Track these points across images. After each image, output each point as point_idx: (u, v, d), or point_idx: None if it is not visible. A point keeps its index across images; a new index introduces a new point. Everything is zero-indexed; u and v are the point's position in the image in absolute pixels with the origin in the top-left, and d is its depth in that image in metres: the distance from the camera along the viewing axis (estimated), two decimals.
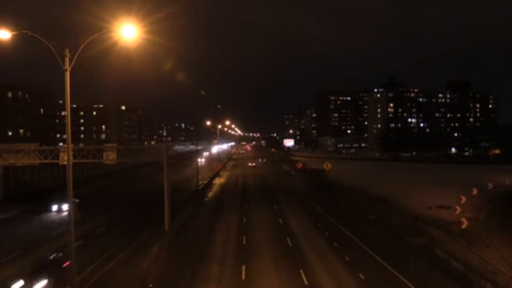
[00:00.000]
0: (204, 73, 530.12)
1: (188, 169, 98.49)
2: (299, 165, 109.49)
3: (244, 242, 35.34)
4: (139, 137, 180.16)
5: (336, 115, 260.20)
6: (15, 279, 23.61)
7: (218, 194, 67.12)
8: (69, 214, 20.00)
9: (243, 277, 26.56)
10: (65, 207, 49.39)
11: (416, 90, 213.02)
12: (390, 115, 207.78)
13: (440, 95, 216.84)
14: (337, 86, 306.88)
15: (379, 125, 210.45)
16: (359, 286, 24.73)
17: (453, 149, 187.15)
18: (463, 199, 53.68)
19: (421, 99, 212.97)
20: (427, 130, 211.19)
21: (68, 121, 19.62)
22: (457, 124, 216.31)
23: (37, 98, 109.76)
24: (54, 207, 50.70)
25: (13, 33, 17.92)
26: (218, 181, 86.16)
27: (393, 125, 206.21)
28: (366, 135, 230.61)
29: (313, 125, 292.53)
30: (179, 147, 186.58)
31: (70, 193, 19.54)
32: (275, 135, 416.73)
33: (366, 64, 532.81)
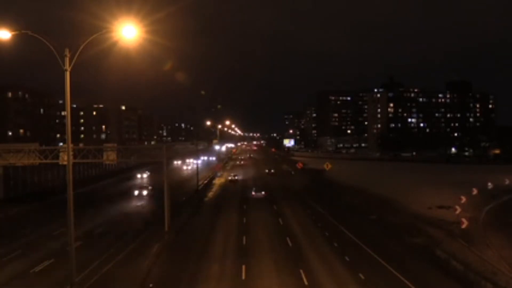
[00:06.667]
0: (204, 73, 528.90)
1: (188, 169, 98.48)
2: (299, 165, 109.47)
3: (244, 242, 35.34)
4: (139, 137, 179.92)
5: (336, 115, 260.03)
6: None
7: (218, 194, 67.09)
8: (69, 214, 19.98)
9: (243, 277, 26.55)
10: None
11: (416, 90, 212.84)
12: (390, 115, 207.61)
13: (440, 95, 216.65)
14: (337, 86, 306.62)
15: (379, 125, 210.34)
16: (359, 286, 24.71)
17: (453, 149, 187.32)
18: (463, 199, 53.77)
19: (421, 99, 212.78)
20: (427, 130, 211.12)
21: (68, 121, 19.62)
22: (457, 124, 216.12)
23: (37, 98, 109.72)
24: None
25: (13, 33, 17.93)
26: (218, 181, 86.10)
27: (393, 125, 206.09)
28: (366, 135, 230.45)
29: (313, 125, 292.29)
30: (180, 147, 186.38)
31: (70, 193, 19.54)
32: (275, 135, 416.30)
33: (366, 64, 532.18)
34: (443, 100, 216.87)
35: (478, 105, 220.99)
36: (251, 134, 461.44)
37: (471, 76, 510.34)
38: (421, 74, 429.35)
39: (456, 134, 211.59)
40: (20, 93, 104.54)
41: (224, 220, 45.27)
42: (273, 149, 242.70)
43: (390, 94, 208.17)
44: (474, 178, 77.77)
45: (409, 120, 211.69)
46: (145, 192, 63.32)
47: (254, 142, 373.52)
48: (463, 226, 38.90)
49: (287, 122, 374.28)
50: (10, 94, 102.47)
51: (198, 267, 28.58)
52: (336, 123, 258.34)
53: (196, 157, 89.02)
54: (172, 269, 28.33)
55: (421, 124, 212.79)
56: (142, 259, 29.71)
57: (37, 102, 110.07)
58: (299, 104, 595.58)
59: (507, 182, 74.63)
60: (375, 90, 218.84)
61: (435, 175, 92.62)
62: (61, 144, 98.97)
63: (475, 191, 60.92)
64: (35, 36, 18.11)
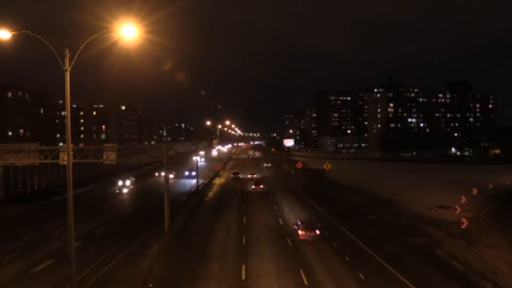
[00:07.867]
0: (204, 73, 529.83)
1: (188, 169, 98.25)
2: (299, 165, 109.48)
3: (244, 242, 35.32)
4: (139, 137, 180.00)
5: (336, 115, 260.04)
6: None
7: (218, 194, 67.08)
8: (69, 214, 19.96)
9: (243, 277, 26.53)
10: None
11: (416, 90, 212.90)
12: (390, 115, 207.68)
13: (440, 95, 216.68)
14: (337, 86, 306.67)
15: (379, 125, 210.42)
16: (359, 286, 24.72)
17: (453, 149, 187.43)
18: (463, 199, 53.88)
19: (421, 99, 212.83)
20: (427, 130, 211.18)
21: (68, 121, 19.60)
22: (457, 124, 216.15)
23: (37, 98, 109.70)
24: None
25: (13, 33, 17.91)
26: (218, 181, 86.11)
27: (393, 125, 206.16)
28: (366, 135, 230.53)
29: (313, 125, 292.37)
30: (180, 147, 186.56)
31: (70, 193, 19.53)
32: (275, 135, 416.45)
33: (366, 64, 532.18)
34: (443, 100, 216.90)
35: (478, 105, 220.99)
36: (251, 134, 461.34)
37: (471, 76, 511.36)
38: (421, 74, 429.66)
39: (456, 134, 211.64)
40: (20, 93, 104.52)
41: (224, 220, 45.24)
42: (273, 149, 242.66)
43: (390, 94, 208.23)
44: (474, 178, 77.84)
45: (409, 120, 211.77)
46: None
47: (241, 144, 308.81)
48: (463, 226, 38.97)
49: (287, 122, 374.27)
50: (10, 94, 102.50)
51: (198, 267, 28.56)
52: (336, 123, 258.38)
53: (196, 156, 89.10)
54: (172, 269, 28.31)
55: (421, 124, 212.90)
56: (142, 259, 29.72)
57: (37, 102, 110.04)
58: (299, 104, 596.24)
59: (507, 182, 74.70)
60: (375, 90, 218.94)
61: (435, 175, 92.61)
62: (61, 144, 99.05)
63: (475, 191, 61.01)
64: (35, 36, 18.09)
